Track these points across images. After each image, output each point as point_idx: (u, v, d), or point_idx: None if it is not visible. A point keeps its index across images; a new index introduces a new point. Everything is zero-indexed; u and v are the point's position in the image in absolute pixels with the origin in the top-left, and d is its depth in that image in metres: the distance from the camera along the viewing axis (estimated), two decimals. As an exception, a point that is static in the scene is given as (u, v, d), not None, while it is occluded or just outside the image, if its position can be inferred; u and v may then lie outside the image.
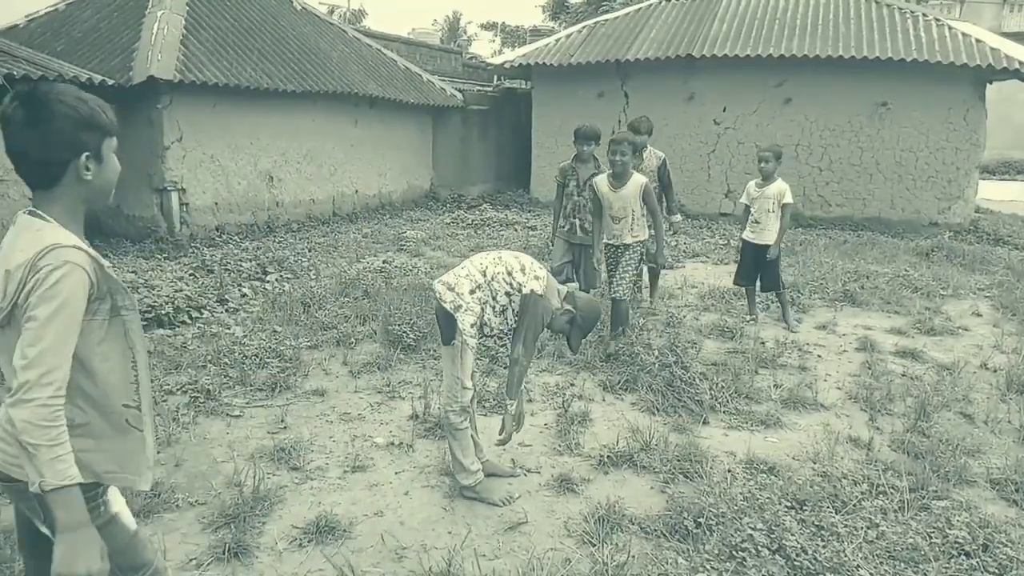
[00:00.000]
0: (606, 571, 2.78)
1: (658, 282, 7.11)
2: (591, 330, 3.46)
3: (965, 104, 11.78)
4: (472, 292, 3.14)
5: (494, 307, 3.16)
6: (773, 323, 6.52)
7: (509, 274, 3.14)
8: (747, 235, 6.51)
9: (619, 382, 4.86)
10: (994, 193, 17.39)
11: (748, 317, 6.54)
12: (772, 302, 6.91)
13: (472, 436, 3.42)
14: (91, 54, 9.49)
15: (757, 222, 6.43)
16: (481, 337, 3.25)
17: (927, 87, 11.78)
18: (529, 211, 13.76)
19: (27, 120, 1.59)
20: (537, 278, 3.15)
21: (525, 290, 3.09)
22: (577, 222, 6.03)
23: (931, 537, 3.00)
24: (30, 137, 1.60)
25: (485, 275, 3.16)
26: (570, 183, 6.04)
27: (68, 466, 1.54)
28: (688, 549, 2.95)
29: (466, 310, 3.11)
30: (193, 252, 8.78)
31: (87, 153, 1.66)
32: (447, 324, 3.19)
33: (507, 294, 3.14)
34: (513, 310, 3.20)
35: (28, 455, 1.52)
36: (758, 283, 6.55)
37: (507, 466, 3.69)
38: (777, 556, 2.86)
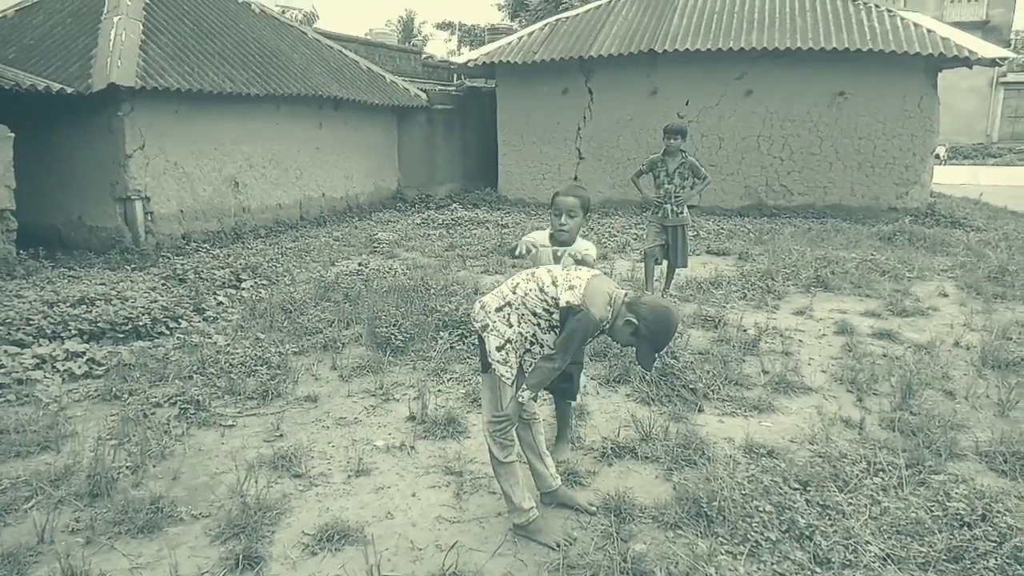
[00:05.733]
0: (624, 561, 2.80)
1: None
2: (665, 343, 2.88)
3: (919, 92, 12.14)
4: (499, 310, 2.95)
5: (539, 325, 2.94)
6: (752, 309, 6.64)
7: (541, 290, 2.90)
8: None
9: (612, 375, 4.90)
10: (944, 178, 17.98)
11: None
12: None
13: (534, 465, 3.23)
14: (45, 61, 9.20)
15: None
16: (533, 357, 3.00)
17: (882, 76, 12.11)
18: (498, 209, 13.76)
19: None
20: (571, 288, 2.84)
21: (561, 303, 2.84)
22: (669, 207, 6.83)
23: (932, 510, 3.09)
24: None
25: (516, 292, 2.95)
26: (660, 174, 6.79)
27: None
28: (702, 534, 2.99)
29: (491, 330, 2.93)
30: (162, 262, 8.58)
31: None
32: (483, 348, 3.01)
33: (547, 311, 2.91)
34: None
35: None
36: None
37: (584, 500, 3.31)
38: (789, 536, 2.92)
